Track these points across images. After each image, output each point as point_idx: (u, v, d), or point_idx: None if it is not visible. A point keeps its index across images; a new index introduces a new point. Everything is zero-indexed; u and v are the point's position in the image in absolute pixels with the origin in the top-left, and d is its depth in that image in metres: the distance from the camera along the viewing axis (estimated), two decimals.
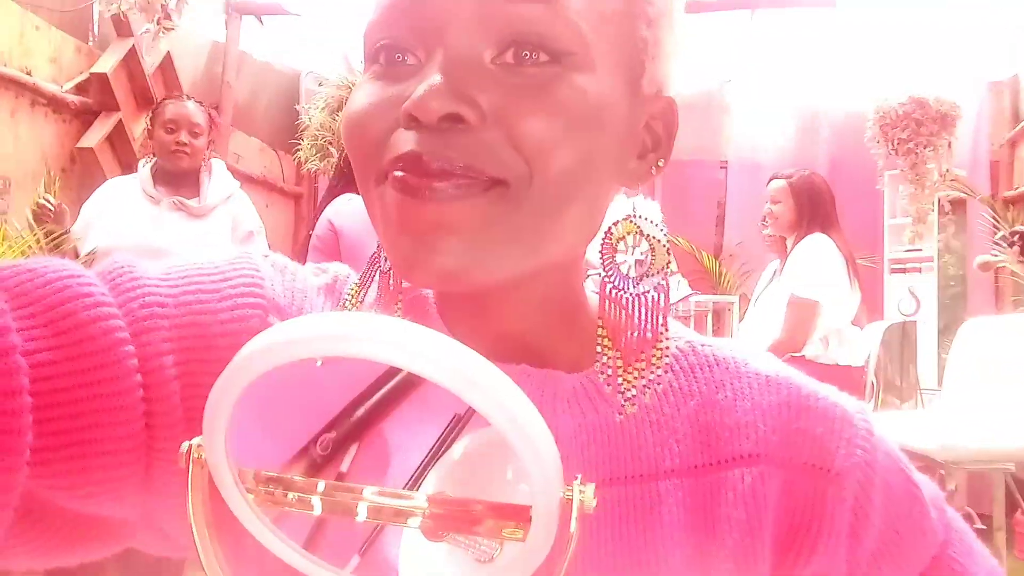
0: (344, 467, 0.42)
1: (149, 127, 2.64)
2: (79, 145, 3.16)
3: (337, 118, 4.04)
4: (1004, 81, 4.44)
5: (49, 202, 2.58)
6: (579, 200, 0.45)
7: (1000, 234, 2.06)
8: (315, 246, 2.56)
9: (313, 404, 0.42)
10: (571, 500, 0.38)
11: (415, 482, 0.40)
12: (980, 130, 4.46)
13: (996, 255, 2.41)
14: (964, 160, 4.38)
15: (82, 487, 0.41)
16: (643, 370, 0.48)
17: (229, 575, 0.44)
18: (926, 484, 0.55)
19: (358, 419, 0.42)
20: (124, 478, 0.42)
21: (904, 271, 4.46)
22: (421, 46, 0.44)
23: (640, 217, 0.48)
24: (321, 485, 0.41)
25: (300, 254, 2.39)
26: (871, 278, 4.14)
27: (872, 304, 3.55)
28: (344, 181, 2.97)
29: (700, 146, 4.93)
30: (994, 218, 3.97)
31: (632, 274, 0.48)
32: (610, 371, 0.48)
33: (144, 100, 3.38)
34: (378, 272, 0.51)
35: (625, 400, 0.48)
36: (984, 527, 2.71)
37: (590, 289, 0.54)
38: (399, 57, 0.45)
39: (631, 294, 0.48)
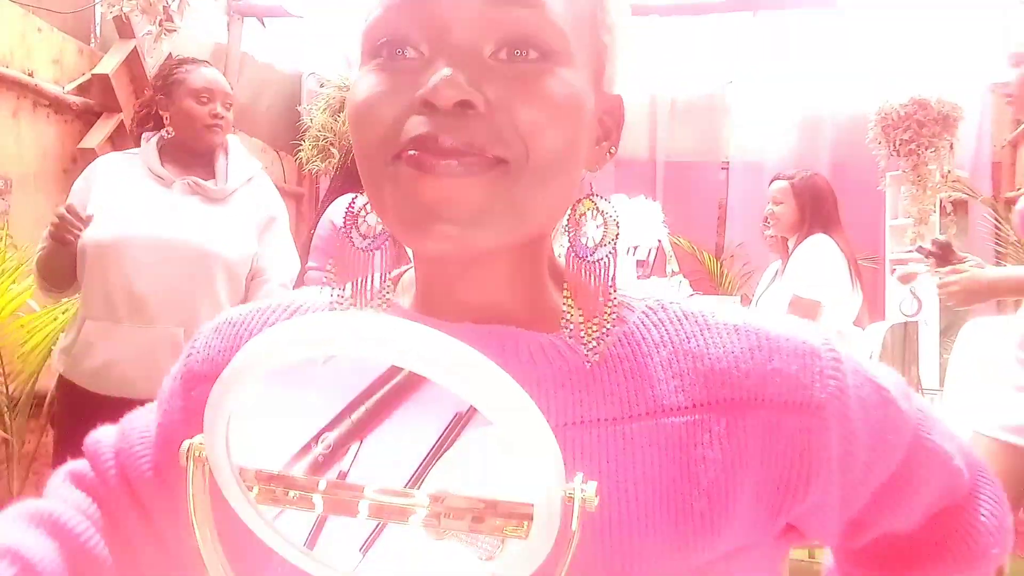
0: (345, 465, 0.42)
1: (159, 95, 2.18)
2: (81, 146, 3.17)
3: (339, 119, 4.05)
4: (1006, 82, 4.44)
5: (73, 222, 1.99)
6: (563, 177, 0.52)
7: (917, 245, 2.05)
8: (316, 246, 2.57)
9: (314, 402, 0.42)
10: (572, 497, 0.38)
11: (416, 480, 0.40)
12: (982, 131, 4.46)
13: (915, 266, 2.41)
14: (966, 161, 4.38)
15: None
16: (599, 323, 0.54)
17: (230, 573, 0.44)
18: (890, 379, 0.59)
19: (360, 417, 0.42)
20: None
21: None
22: (425, 42, 0.50)
23: (596, 196, 0.56)
24: (323, 483, 0.41)
25: (302, 254, 2.39)
26: (872, 279, 4.13)
27: (873, 305, 3.55)
28: (347, 181, 2.97)
29: (702, 147, 4.93)
30: (996, 219, 3.97)
31: (590, 245, 0.54)
32: (572, 326, 0.54)
33: None
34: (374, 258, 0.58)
35: (588, 350, 0.54)
36: None
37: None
38: (400, 52, 0.51)
39: (589, 261, 0.54)
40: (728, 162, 5.09)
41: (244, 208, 2.17)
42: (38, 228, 2.18)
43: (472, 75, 0.48)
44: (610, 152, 0.59)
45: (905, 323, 3.58)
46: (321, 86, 4.47)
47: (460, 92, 0.47)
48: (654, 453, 0.52)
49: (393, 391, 0.41)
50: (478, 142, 0.48)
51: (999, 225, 3.93)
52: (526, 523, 0.38)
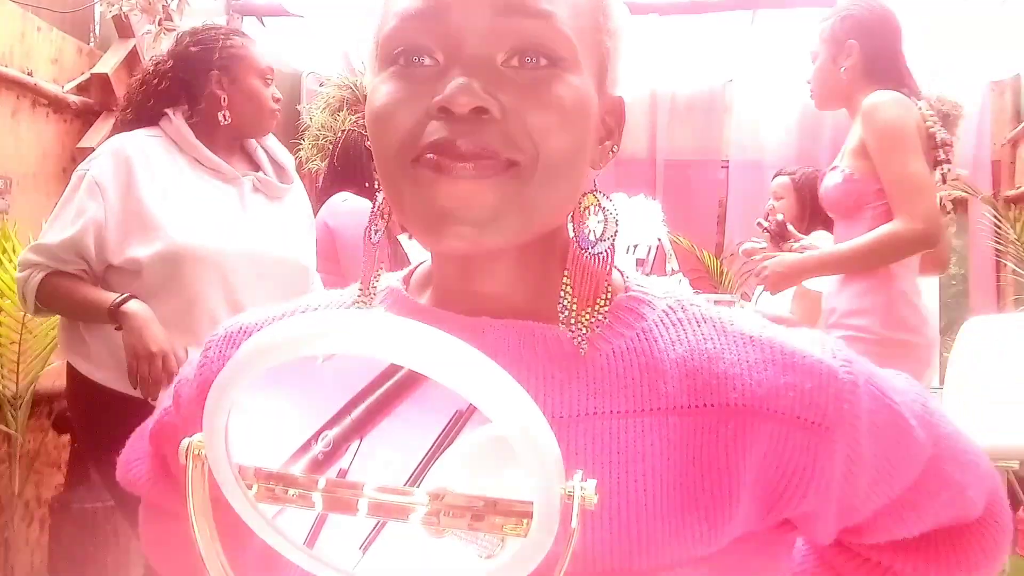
0: (345, 463, 0.42)
1: (214, 70, 1.74)
2: (80, 145, 3.16)
3: (338, 118, 4.04)
4: (1006, 80, 4.43)
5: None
6: (571, 177, 0.55)
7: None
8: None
9: (314, 400, 0.42)
10: (572, 495, 0.38)
11: (416, 478, 0.40)
12: (982, 129, 4.45)
13: (757, 241, 2.42)
14: (966, 159, 4.37)
15: None
16: (593, 313, 0.56)
17: (230, 572, 0.44)
18: (909, 402, 0.59)
19: (359, 415, 0.42)
20: None
21: None
22: (441, 51, 0.53)
23: (599, 192, 0.58)
24: (322, 482, 0.41)
25: None
26: None
27: None
28: (337, 180, 2.96)
29: (701, 146, 4.92)
30: (996, 217, 3.97)
31: (592, 238, 0.57)
32: (566, 312, 0.56)
33: None
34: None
35: (577, 336, 0.55)
36: None
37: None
38: (416, 59, 0.54)
39: (590, 253, 0.56)
40: (728, 161, 5.09)
41: (299, 206, 1.94)
42: (37, 228, 2.16)
43: (486, 82, 0.51)
44: (612, 151, 0.61)
45: None
46: (320, 85, 4.46)
47: (475, 99, 0.50)
48: (663, 447, 0.53)
49: (393, 389, 0.41)
50: (492, 146, 0.51)
51: (999, 223, 3.92)
52: (526, 521, 0.38)
